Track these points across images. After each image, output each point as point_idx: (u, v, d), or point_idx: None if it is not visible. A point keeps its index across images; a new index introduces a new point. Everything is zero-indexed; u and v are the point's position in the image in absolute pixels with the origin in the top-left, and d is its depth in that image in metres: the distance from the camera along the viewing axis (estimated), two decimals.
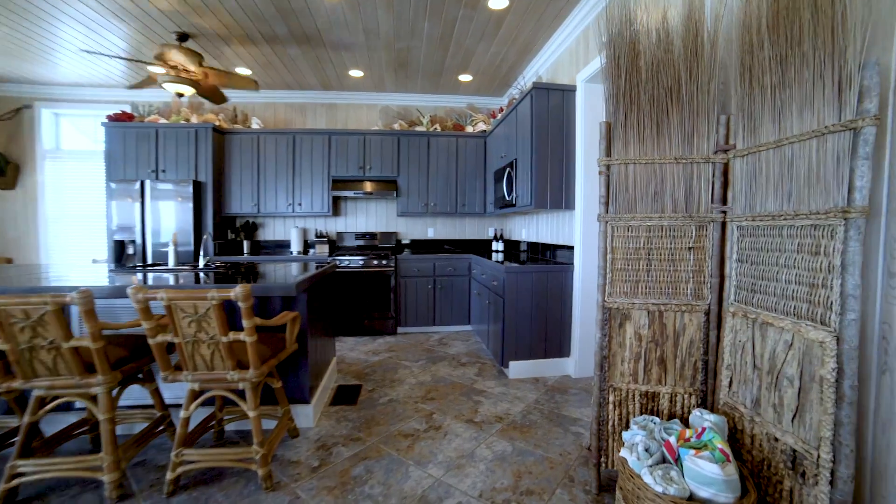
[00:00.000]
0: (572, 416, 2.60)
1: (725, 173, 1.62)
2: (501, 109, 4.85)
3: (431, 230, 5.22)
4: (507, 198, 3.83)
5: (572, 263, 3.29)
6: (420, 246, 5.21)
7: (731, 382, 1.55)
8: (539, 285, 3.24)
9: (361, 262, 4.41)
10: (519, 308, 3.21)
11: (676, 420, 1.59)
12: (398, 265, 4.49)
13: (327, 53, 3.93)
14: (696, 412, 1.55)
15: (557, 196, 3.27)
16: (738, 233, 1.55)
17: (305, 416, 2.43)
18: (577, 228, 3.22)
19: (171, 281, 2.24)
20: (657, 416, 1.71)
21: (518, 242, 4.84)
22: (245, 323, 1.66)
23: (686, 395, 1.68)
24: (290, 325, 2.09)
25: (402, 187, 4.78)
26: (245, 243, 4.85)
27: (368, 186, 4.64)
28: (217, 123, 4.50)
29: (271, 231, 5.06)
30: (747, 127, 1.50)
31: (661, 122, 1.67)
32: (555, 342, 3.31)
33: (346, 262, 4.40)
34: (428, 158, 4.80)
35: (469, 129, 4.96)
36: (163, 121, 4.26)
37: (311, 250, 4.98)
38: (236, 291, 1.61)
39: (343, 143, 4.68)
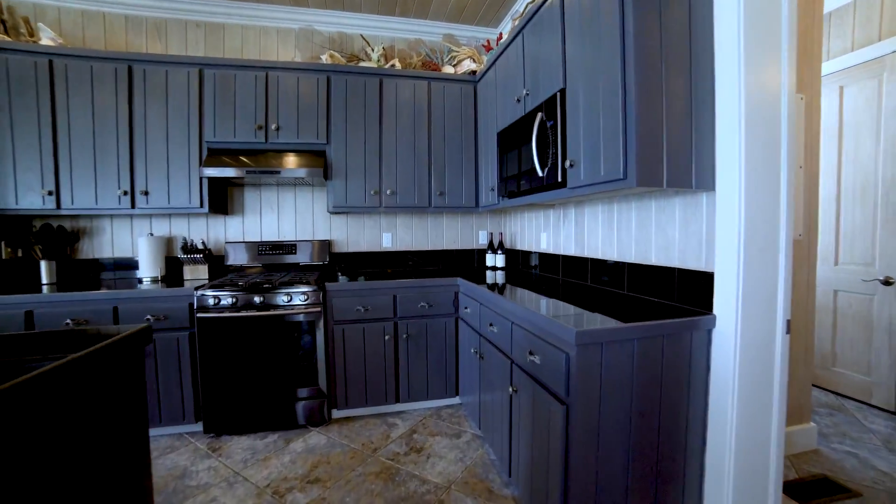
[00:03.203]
0: None
1: None
2: (501, 37, 3.00)
3: (388, 236, 3.26)
4: (538, 172, 1.95)
5: (709, 312, 1.48)
6: (370, 262, 3.23)
7: None
8: (646, 367, 1.40)
9: (261, 301, 2.37)
10: (605, 428, 1.35)
11: None
12: (328, 301, 2.50)
13: None
14: None
15: (683, 162, 1.44)
16: None
17: None
18: (724, 233, 1.42)
19: None
20: None
21: (528, 255, 2.99)
22: None
23: None
24: None
25: (336, 164, 2.78)
26: (44, 266, 2.64)
27: (275, 161, 2.61)
28: None
29: (108, 241, 2.87)
30: None
31: None
32: (669, 489, 1.48)
33: (230, 301, 2.34)
34: (380, 114, 2.84)
35: (448, 69, 3.06)
36: None
37: (186, 272, 2.86)
38: None
39: (227, 84, 2.62)
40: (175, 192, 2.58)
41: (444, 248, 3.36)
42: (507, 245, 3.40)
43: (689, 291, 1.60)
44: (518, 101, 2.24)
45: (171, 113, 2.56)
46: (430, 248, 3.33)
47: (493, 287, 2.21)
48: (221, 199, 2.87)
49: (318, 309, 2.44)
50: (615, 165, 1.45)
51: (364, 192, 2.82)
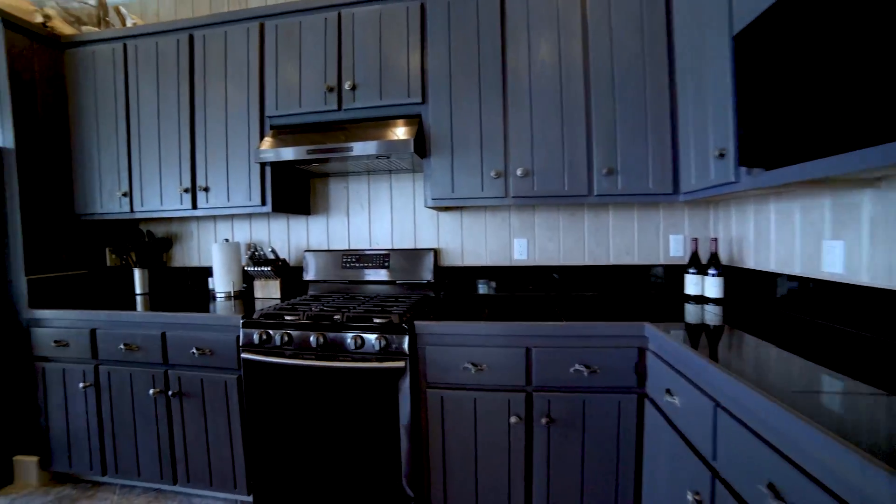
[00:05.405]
0: None
1: None
2: None
3: (521, 244, 2.17)
4: None
5: None
6: (497, 281, 2.19)
7: None
8: None
9: (320, 342, 1.58)
10: None
11: None
12: (420, 351, 1.57)
13: None
14: None
15: None
16: None
17: None
18: None
19: None
20: None
21: (771, 279, 1.53)
22: None
23: None
24: None
25: (437, 133, 1.82)
26: (138, 275, 2.39)
27: (350, 134, 1.80)
28: (43, 20, 2.07)
29: (194, 246, 2.52)
30: None
31: None
32: None
33: (279, 340, 1.61)
34: (503, 47, 1.78)
35: None
36: None
37: (256, 289, 2.30)
38: None
39: (291, 37, 1.91)
40: (235, 187, 1.99)
41: (610, 262, 2.11)
42: (725, 260, 1.96)
43: None
44: None
45: (231, 85, 1.97)
46: (587, 263, 2.12)
47: (687, 340, 0.93)
48: (301, 195, 2.22)
49: (402, 363, 1.52)
50: None
51: (480, 173, 1.80)
